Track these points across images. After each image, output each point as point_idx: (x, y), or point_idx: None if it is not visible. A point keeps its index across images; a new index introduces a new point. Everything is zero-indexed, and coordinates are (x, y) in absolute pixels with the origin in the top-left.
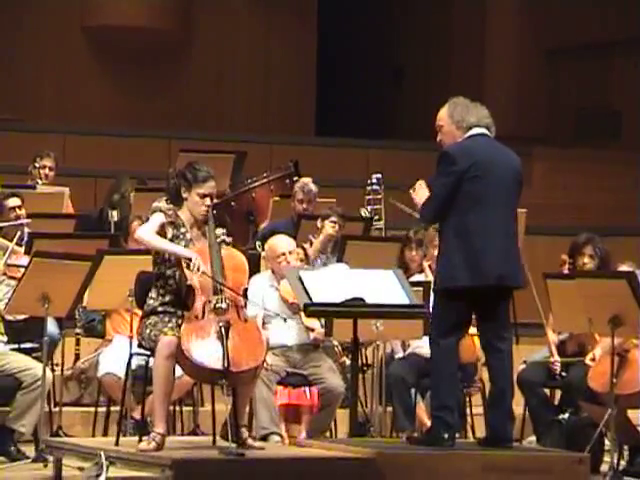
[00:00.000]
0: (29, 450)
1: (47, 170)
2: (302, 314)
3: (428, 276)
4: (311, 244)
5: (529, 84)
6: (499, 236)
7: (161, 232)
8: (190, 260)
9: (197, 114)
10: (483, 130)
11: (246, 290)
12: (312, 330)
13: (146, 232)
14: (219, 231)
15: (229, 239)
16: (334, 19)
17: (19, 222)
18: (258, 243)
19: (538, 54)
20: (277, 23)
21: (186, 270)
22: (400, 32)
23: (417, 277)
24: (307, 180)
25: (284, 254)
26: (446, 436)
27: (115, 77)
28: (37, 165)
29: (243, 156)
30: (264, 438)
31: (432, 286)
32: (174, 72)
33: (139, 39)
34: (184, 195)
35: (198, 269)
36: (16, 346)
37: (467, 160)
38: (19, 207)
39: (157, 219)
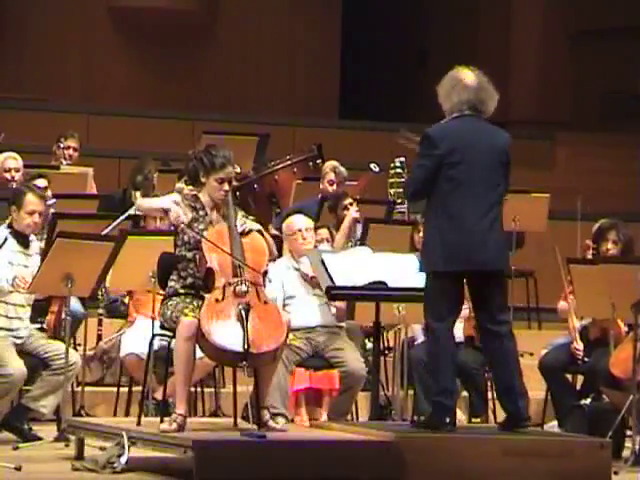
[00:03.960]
0: (51, 430)
1: (71, 150)
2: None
3: None
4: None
5: (554, 68)
6: (478, 221)
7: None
8: (169, 211)
9: (221, 96)
10: (469, 111)
11: (266, 272)
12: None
13: (145, 200)
14: (240, 216)
15: (257, 226)
16: (358, 1)
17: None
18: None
19: (563, 38)
20: (301, 6)
21: (206, 251)
22: (425, 14)
23: None
24: (336, 163)
25: (300, 230)
26: (447, 420)
27: (140, 58)
28: (61, 145)
29: (266, 138)
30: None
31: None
32: (198, 54)
33: (164, 20)
34: (202, 179)
35: (177, 217)
36: (38, 325)
37: (448, 144)
38: (45, 188)
39: (169, 196)
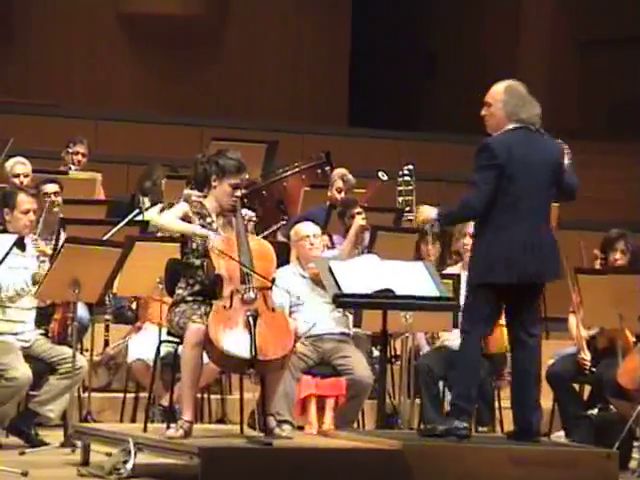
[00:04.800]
0: (58, 435)
1: (80, 156)
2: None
3: None
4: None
5: (562, 77)
6: (534, 233)
7: (185, 220)
8: (207, 238)
9: (229, 102)
10: (530, 125)
11: (274, 280)
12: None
13: (165, 218)
14: (246, 212)
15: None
16: (367, 8)
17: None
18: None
19: (571, 47)
20: (310, 12)
21: (214, 259)
22: (433, 22)
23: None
24: (344, 170)
25: (308, 236)
26: (462, 425)
27: (148, 64)
28: (70, 151)
29: (275, 145)
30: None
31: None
32: (207, 60)
33: (172, 26)
34: (214, 183)
35: (213, 246)
36: (42, 331)
37: (506, 156)
38: (55, 193)
39: (180, 207)
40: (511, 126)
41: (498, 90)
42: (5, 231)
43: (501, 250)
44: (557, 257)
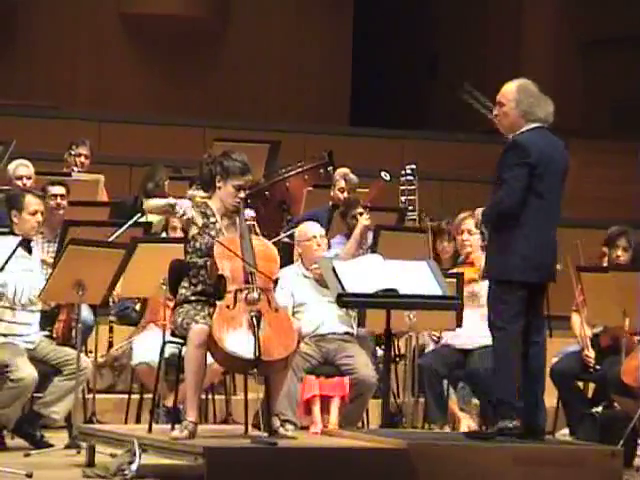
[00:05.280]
0: (62, 436)
1: (82, 158)
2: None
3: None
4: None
5: (565, 77)
6: (553, 233)
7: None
8: (175, 206)
9: (232, 103)
10: (545, 124)
11: (277, 280)
12: None
13: (152, 200)
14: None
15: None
16: (369, 8)
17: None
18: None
19: (574, 47)
20: (312, 13)
21: (218, 259)
22: (436, 22)
23: None
24: (346, 170)
25: (315, 237)
26: (512, 424)
27: (151, 65)
28: (72, 153)
29: (277, 145)
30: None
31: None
32: (209, 60)
33: (175, 27)
34: (218, 184)
35: (184, 214)
36: (48, 333)
37: (538, 155)
38: (62, 196)
39: (181, 202)
40: (532, 125)
41: (510, 89)
42: (12, 233)
43: (531, 250)
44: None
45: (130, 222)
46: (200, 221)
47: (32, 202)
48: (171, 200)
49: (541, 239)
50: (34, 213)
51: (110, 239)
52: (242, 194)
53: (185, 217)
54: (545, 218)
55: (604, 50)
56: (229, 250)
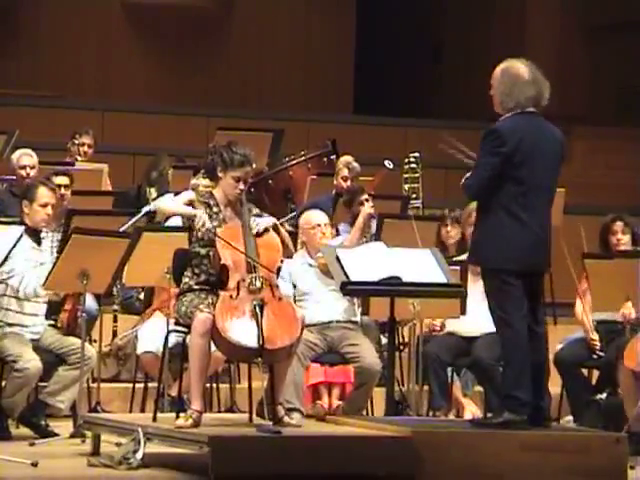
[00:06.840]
0: (67, 426)
1: (86, 147)
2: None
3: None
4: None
5: (570, 62)
6: (537, 223)
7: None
8: (194, 217)
9: (236, 92)
10: (530, 108)
11: (279, 269)
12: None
13: (163, 201)
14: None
15: (272, 221)
16: None
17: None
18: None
19: (579, 32)
20: (315, 1)
21: (219, 248)
22: (441, 9)
23: None
24: (350, 158)
25: (319, 225)
26: (519, 418)
27: (154, 54)
28: (76, 142)
29: (281, 134)
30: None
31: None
32: (213, 49)
33: (178, 16)
34: (219, 174)
35: (203, 225)
36: (53, 322)
37: (515, 142)
38: (66, 186)
39: (185, 194)
40: (518, 110)
41: (496, 71)
42: (22, 223)
43: (513, 239)
44: (549, 249)
45: (141, 213)
46: (203, 211)
47: (44, 194)
48: (189, 210)
49: (525, 229)
50: (45, 205)
51: (122, 229)
52: (242, 185)
53: (205, 228)
54: (531, 207)
55: (609, 36)
56: (228, 244)
